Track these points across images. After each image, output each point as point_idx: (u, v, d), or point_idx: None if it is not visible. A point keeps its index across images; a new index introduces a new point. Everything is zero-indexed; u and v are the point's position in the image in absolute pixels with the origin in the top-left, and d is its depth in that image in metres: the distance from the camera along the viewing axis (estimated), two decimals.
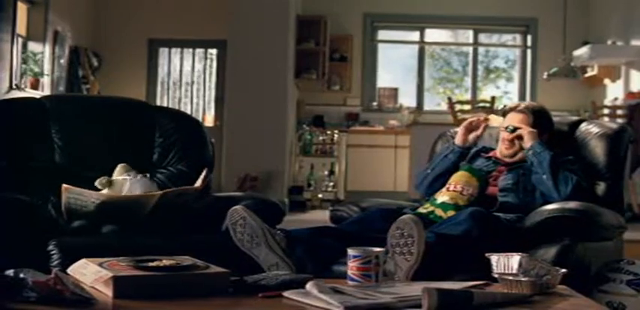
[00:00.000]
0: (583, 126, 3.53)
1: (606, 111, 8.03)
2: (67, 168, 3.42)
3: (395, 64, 10.66)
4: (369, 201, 3.59)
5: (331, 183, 8.81)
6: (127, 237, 2.92)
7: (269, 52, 7.69)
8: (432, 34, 10.66)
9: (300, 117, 9.47)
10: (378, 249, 2.25)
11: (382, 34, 10.48)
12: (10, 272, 1.87)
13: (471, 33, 10.55)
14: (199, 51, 10.11)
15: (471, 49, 10.66)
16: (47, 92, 7.88)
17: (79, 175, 3.41)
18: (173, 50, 10.09)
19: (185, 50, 10.09)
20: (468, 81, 10.88)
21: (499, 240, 2.85)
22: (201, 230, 3.13)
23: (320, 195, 8.61)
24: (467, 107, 8.29)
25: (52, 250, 2.78)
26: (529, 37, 10.29)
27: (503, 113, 3.56)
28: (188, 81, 10.11)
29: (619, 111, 7.73)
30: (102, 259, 2.13)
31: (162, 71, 10.05)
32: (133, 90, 9.36)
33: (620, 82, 8.85)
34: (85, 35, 9.42)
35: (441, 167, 3.47)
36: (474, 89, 10.54)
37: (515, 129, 3.35)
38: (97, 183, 3.14)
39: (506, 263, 2.13)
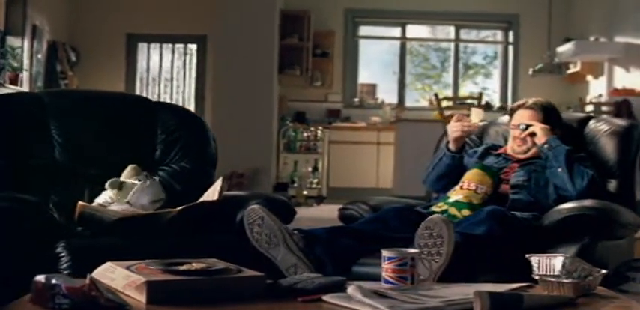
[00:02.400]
0: (592, 123, 3.48)
1: (590, 107, 8.04)
2: (67, 165, 3.31)
3: (372, 60, 10.59)
4: (377, 199, 3.51)
5: (315, 180, 8.74)
6: (139, 238, 2.82)
7: (254, 47, 7.60)
8: (411, 30, 10.61)
9: (281, 114, 9.38)
10: (413, 250, 2.18)
11: (364, 30, 10.41)
12: (42, 277, 1.77)
13: (452, 29, 10.52)
14: (179, 46, 9.97)
15: (451, 45, 10.64)
16: (26, 88, 7.72)
17: (80, 173, 3.32)
18: (152, 45, 9.94)
19: (164, 45, 9.95)
20: (446, 77, 10.87)
21: (518, 240, 2.81)
22: (210, 230, 3.04)
23: (305, 192, 8.53)
24: (450, 103, 8.25)
25: (62, 252, 2.67)
26: (511, 33, 10.27)
27: (511, 111, 3.50)
28: (167, 77, 9.98)
29: (604, 108, 7.74)
30: (128, 262, 2.03)
31: (141, 67, 9.90)
32: (112, 86, 9.20)
33: (603, 79, 8.85)
34: (63, 29, 9.25)
35: (438, 169, 3.37)
36: (456, 85, 10.52)
37: (527, 126, 3.29)
38: (107, 185, 3.04)
39: (547, 264, 2.06)
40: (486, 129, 3.77)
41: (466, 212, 3.04)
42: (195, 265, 1.99)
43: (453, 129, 3.29)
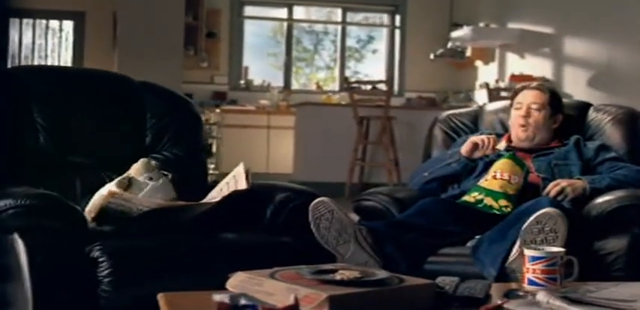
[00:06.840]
0: (592, 112, 3.40)
1: (484, 92, 8.10)
2: (54, 154, 2.92)
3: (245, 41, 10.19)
4: (388, 189, 3.32)
5: (212, 165, 8.38)
6: (173, 237, 2.51)
7: (159, 24, 7.12)
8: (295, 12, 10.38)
9: None
10: (559, 249, 1.99)
11: (249, 10, 10.08)
12: (224, 297, 1.45)
13: (339, 11, 10.39)
14: (53, 22, 9.27)
15: (330, 28, 10.55)
16: None
17: (68, 162, 2.95)
18: (24, 21, 9.19)
19: (37, 21, 9.22)
20: (318, 60, 10.77)
21: (574, 231, 2.69)
22: (238, 226, 2.74)
23: None
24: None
25: (101, 257, 2.31)
26: (397, 17, 10.25)
27: (514, 93, 3.35)
28: (41, 56, 9.27)
29: (504, 94, 7.84)
30: (263, 271, 1.73)
31: (12, 43, 9.12)
32: None
33: (494, 65, 8.99)
34: None
35: (441, 173, 3.16)
36: (342, 68, 10.40)
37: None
38: (116, 183, 2.66)
39: None
40: (480, 116, 3.63)
41: (503, 202, 2.89)
42: (347, 273, 1.72)
43: (479, 137, 3.12)
